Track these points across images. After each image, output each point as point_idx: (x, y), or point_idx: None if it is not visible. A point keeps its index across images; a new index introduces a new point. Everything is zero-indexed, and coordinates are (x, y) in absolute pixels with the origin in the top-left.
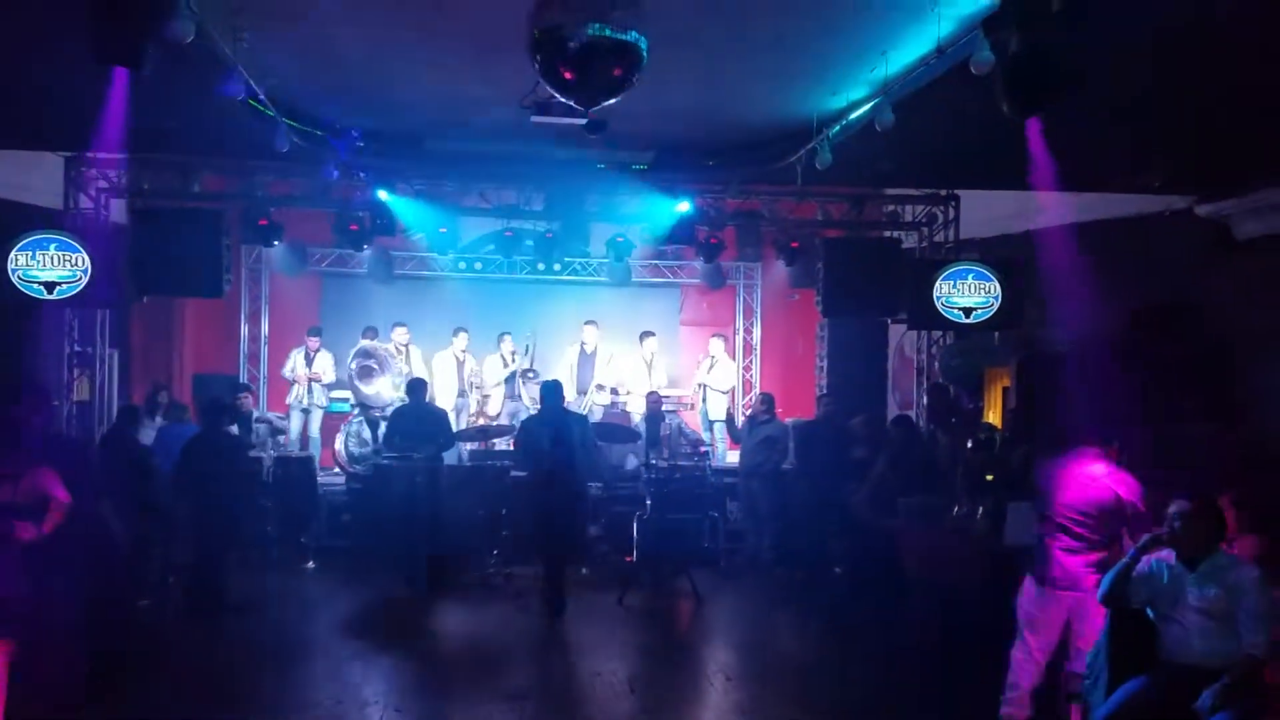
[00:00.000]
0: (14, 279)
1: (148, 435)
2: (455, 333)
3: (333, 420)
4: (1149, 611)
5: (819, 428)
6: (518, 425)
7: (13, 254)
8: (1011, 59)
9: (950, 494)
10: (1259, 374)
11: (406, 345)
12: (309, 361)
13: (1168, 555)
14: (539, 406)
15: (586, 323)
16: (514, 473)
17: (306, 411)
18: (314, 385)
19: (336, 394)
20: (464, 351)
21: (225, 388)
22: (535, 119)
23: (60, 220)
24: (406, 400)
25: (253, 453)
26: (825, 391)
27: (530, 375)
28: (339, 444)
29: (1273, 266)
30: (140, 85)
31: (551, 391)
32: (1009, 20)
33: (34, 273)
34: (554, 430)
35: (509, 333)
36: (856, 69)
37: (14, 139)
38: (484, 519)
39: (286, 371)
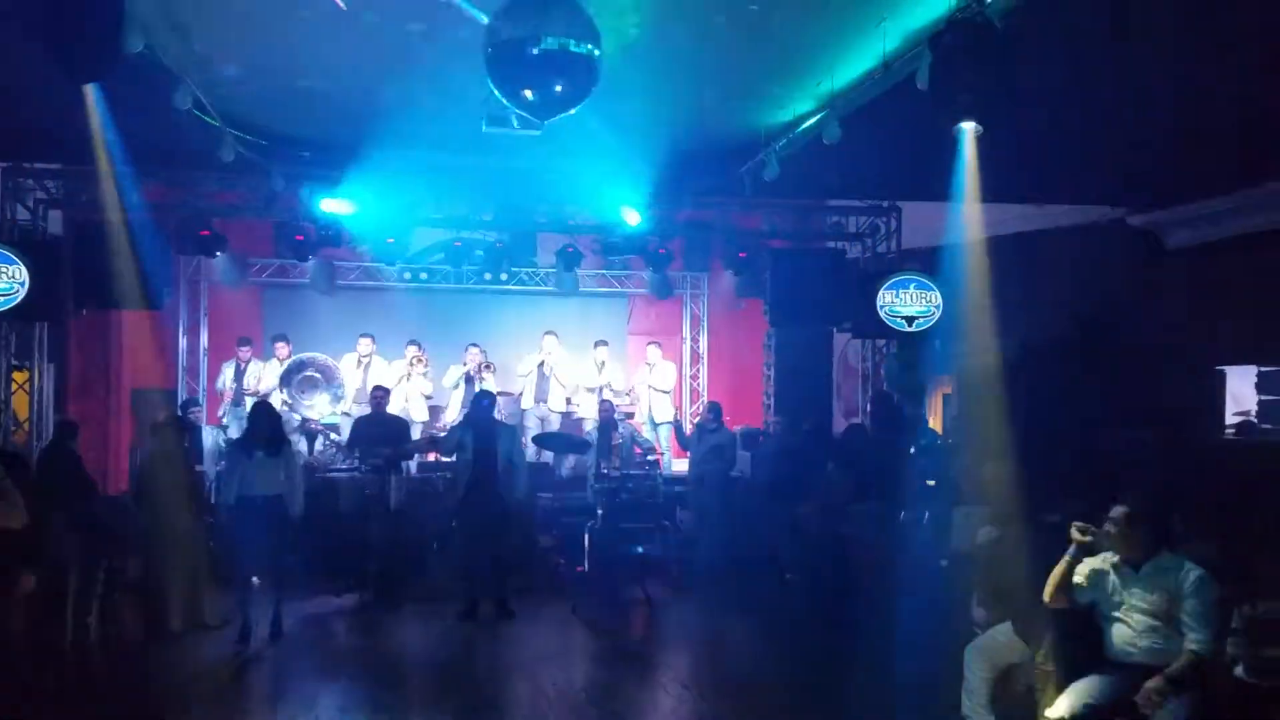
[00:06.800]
0: None
1: None
2: (407, 344)
3: None
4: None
5: (769, 438)
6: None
7: None
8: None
9: (899, 501)
10: (1186, 380)
11: (370, 356)
12: (239, 374)
13: (1112, 556)
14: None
15: (547, 333)
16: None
17: (242, 421)
18: (245, 398)
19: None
20: (416, 361)
21: (163, 402)
22: (488, 129)
23: None
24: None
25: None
26: (772, 401)
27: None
28: None
29: (1202, 273)
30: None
31: (480, 402)
32: (954, 37)
33: None
34: (478, 441)
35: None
36: (804, 84)
37: None
38: (432, 530)
39: (219, 385)
